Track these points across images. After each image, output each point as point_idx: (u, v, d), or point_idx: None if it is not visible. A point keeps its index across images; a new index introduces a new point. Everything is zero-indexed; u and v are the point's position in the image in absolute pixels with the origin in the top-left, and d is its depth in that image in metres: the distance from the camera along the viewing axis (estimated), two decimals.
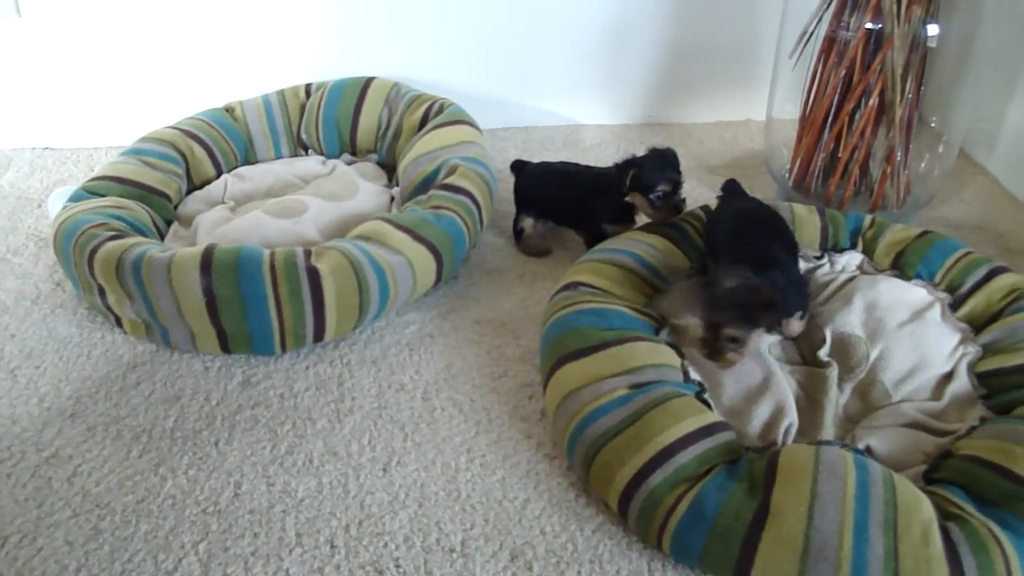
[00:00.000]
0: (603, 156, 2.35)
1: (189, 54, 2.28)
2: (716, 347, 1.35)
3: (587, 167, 1.93)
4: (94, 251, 1.54)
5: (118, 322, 1.63)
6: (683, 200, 1.72)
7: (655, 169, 1.69)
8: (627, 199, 1.73)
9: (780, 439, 1.33)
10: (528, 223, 1.91)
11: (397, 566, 1.20)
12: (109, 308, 1.60)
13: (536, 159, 1.98)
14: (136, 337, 1.62)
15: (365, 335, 1.64)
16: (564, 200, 1.86)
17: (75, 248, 1.57)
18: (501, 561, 1.21)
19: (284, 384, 1.53)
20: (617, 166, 1.73)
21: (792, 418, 1.36)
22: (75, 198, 1.76)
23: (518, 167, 1.96)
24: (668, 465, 1.21)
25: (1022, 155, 2.18)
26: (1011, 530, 1.12)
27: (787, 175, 2.10)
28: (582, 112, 2.54)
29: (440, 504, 1.30)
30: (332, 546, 1.23)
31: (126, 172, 1.85)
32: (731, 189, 1.77)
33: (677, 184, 1.70)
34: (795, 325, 1.50)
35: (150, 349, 1.60)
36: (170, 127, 2.04)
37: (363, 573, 1.19)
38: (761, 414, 1.36)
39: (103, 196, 1.77)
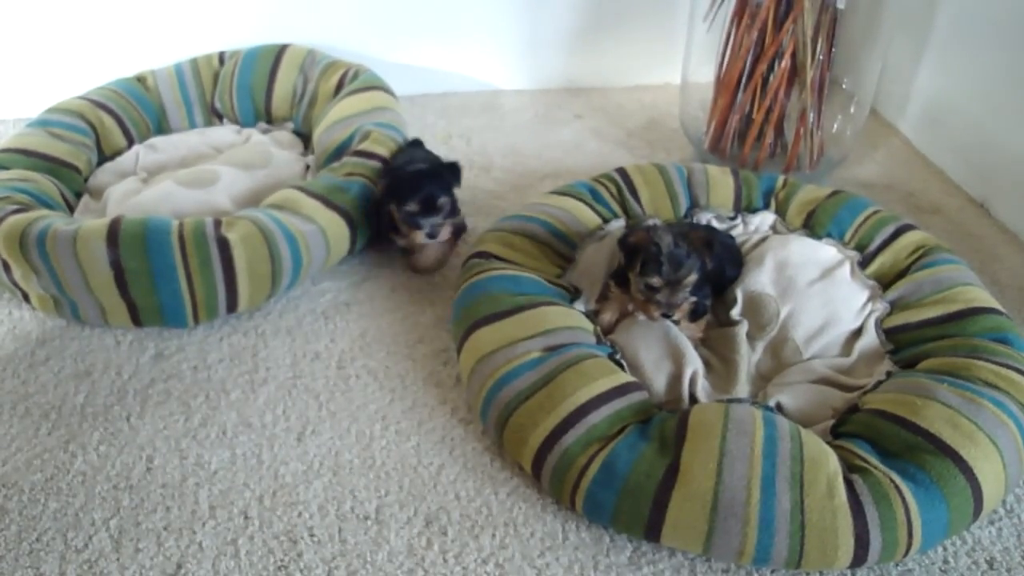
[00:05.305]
0: (521, 121, 2.35)
1: (98, 22, 2.21)
2: (673, 303, 1.36)
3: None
4: None
5: (26, 298, 1.59)
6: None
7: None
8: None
9: (686, 389, 1.36)
10: None
11: (311, 535, 1.19)
12: (16, 283, 1.56)
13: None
14: (45, 312, 1.59)
15: (280, 305, 1.63)
16: None
17: None
18: (416, 527, 1.21)
19: (197, 356, 1.51)
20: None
21: (696, 365, 1.38)
22: None
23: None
24: (580, 425, 1.22)
25: (932, 115, 2.22)
26: (912, 480, 1.14)
27: (703, 138, 2.12)
28: (501, 77, 2.53)
29: (354, 472, 1.29)
30: (246, 517, 1.22)
31: (32, 144, 1.81)
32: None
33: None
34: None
35: (60, 324, 1.57)
36: (78, 98, 2.00)
37: (277, 543, 1.18)
38: (664, 368, 1.38)
39: (8, 169, 1.73)
